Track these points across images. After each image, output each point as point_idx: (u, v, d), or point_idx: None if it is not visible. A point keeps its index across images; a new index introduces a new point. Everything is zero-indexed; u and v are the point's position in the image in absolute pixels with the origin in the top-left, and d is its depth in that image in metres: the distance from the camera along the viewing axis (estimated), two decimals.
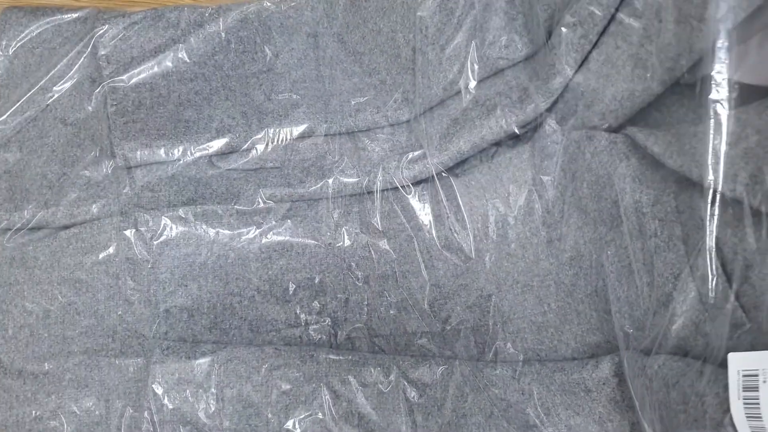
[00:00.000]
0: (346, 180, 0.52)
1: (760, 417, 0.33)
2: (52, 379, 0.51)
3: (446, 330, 0.50)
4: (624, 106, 0.45)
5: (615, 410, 0.43)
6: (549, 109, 0.49)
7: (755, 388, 0.33)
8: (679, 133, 0.42)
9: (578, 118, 0.47)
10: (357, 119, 0.53)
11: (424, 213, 0.52)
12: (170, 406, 0.47)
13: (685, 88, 0.44)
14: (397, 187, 0.52)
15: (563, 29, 0.46)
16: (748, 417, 0.33)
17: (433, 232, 0.52)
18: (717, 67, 0.36)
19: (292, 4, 0.55)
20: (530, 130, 0.50)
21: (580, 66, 0.46)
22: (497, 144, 0.51)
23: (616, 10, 0.44)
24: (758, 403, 0.33)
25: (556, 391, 0.45)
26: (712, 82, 0.36)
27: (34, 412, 0.51)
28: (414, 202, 0.52)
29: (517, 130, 0.49)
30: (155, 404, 0.47)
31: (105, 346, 0.51)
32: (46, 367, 0.51)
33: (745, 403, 0.33)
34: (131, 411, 0.49)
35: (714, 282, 0.37)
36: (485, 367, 0.47)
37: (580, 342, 0.47)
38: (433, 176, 0.52)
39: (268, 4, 0.55)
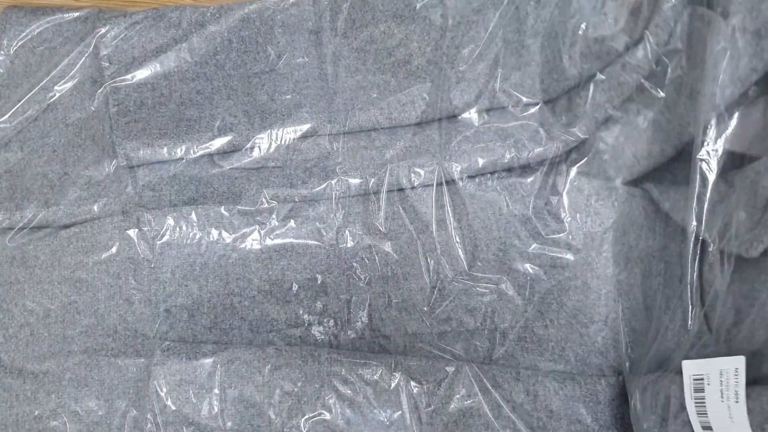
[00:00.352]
0: (349, 181, 0.52)
1: (706, 414, 0.39)
2: (52, 379, 0.51)
3: (447, 332, 0.50)
4: (641, 164, 0.51)
5: (615, 424, 0.46)
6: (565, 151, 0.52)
7: (702, 390, 0.40)
8: (687, 193, 0.47)
9: (593, 167, 0.52)
10: (360, 119, 0.54)
11: (427, 216, 0.52)
12: (173, 407, 0.47)
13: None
14: (401, 190, 0.53)
15: (592, 87, 0.51)
16: (698, 413, 0.40)
17: (435, 236, 0.52)
18: (708, 135, 0.43)
19: (292, 0, 0.55)
20: (543, 165, 0.53)
21: (603, 122, 0.51)
22: (507, 169, 0.53)
23: (645, 78, 0.49)
24: (704, 402, 0.40)
25: (562, 397, 0.46)
26: (703, 146, 0.43)
27: (34, 411, 0.50)
28: (418, 205, 0.53)
29: (531, 164, 0.52)
30: (158, 405, 0.47)
31: (105, 345, 0.51)
32: (46, 367, 0.51)
33: (695, 403, 0.40)
34: (134, 411, 0.49)
35: (693, 311, 0.44)
36: (490, 369, 0.48)
37: (581, 361, 0.49)
38: (442, 182, 0.53)
39: (270, 3, 0.55)
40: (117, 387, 0.50)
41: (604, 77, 0.50)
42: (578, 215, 0.52)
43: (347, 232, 0.52)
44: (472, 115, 0.53)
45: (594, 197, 0.52)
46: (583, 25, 0.51)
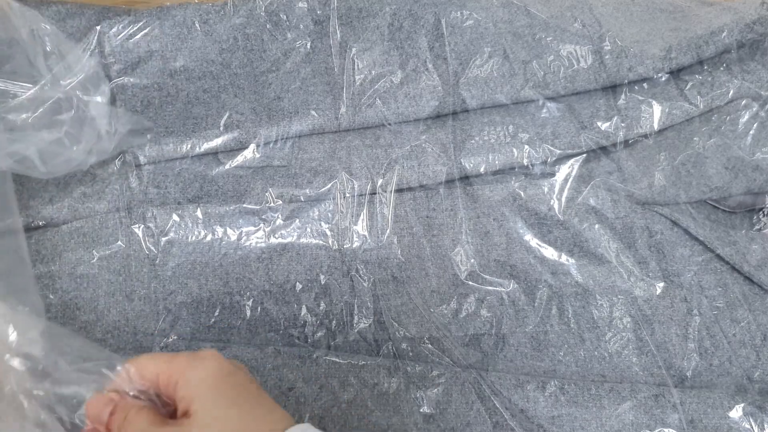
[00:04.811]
0: (354, 180, 0.52)
1: None
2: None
3: (448, 337, 0.50)
4: (654, 195, 0.51)
5: (621, 430, 0.45)
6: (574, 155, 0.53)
7: None
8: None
9: (605, 181, 0.52)
10: (368, 115, 0.53)
11: (433, 218, 0.52)
12: None
13: None
14: (409, 190, 0.52)
15: (615, 117, 0.52)
16: None
17: (441, 238, 0.51)
18: None
19: None
20: (556, 170, 0.53)
21: (625, 144, 0.53)
22: (512, 169, 0.53)
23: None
24: None
25: (564, 403, 0.45)
26: None
27: None
28: (425, 206, 0.52)
29: (544, 167, 0.52)
30: None
31: (103, 342, 0.51)
32: None
33: None
34: None
35: None
36: (490, 375, 0.47)
37: (582, 366, 0.48)
38: (452, 182, 0.52)
39: None
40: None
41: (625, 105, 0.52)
42: (584, 224, 0.51)
43: (351, 232, 0.52)
44: (476, 112, 0.53)
45: (602, 208, 0.51)
46: None
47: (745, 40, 0.52)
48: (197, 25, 0.54)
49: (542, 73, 0.52)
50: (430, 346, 0.49)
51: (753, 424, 0.43)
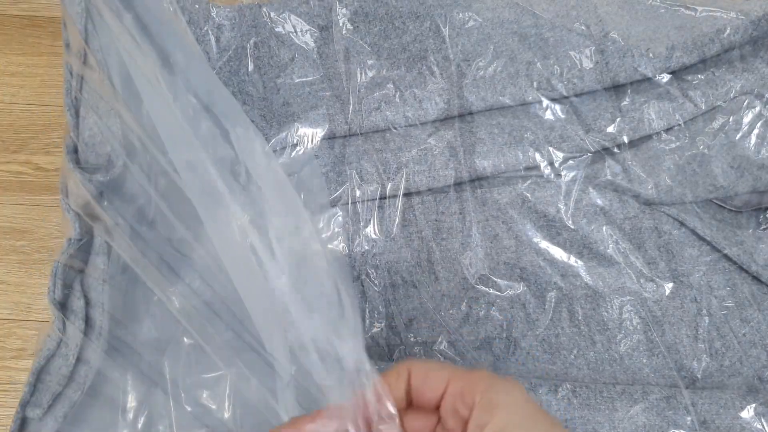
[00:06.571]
0: (365, 185, 0.52)
1: None
2: None
3: (459, 340, 0.50)
4: (660, 195, 0.52)
5: None
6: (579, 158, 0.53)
7: None
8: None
9: (612, 182, 0.52)
10: (376, 119, 0.53)
11: (439, 222, 0.52)
12: (188, 408, 0.47)
13: None
14: (417, 193, 0.52)
15: (619, 119, 0.52)
16: None
17: (447, 242, 0.51)
18: None
19: None
20: (564, 171, 0.53)
21: (630, 145, 0.53)
22: (525, 174, 0.53)
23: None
24: None
25: (576, 406, 0.45)
26: None
27: None
28: (434, 209, 0.52)
29: (551, 169, 0.52)
30: (174, 405, 0.47)
31: None
32: None
33: None
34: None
35: None
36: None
37: (593, 369, 0.49)
38: (451, 186, 0.52)
39: (280, 2, 0.55)
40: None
41: (631, 106, 0.51)
42: (593, 225, 0.51)
43: (362, 236, 0.52)
44: (484, 114, 0.53)
45: (610, 209, 0.52)
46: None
47: (750, 37, 0.52)
48: (206, 31, 0.54)
49: (547, 74, 0.52)
50: (442, 349, 0.50)
51: (764, 424, 0.44)
